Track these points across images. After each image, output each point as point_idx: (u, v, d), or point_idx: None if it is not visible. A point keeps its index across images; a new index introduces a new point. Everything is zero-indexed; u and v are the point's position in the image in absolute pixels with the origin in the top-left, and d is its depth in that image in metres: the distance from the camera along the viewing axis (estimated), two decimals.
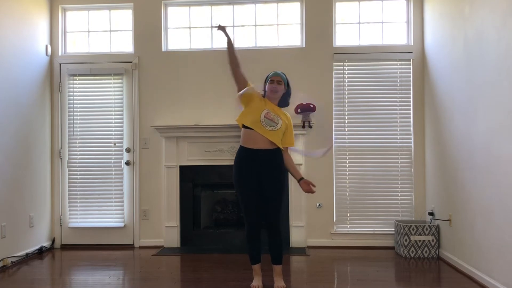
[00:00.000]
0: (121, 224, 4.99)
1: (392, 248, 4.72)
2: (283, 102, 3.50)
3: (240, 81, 3.42)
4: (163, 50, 5.03)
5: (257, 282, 3.42)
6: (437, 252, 4.40)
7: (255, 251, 3.42)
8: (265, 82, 3.49)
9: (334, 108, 4.88)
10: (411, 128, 4.83)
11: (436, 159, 4.48)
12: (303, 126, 4.74)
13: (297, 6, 5.00)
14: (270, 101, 3.44)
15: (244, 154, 3.37)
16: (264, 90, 3.49)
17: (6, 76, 4.24)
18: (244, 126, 3.39)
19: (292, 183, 4.79)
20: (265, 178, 3.31)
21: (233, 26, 5.04)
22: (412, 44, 4.85)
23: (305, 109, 4.72)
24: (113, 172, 5.02)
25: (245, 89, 3.36)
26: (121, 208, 5.00)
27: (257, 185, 3.32)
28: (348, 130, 4.88)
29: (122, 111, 5.02)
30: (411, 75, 4.84)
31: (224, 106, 4.83)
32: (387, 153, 4.85)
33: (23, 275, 3.95)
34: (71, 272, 4.12)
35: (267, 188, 3.32)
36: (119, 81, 5.04)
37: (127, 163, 5.00)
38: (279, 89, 3.39)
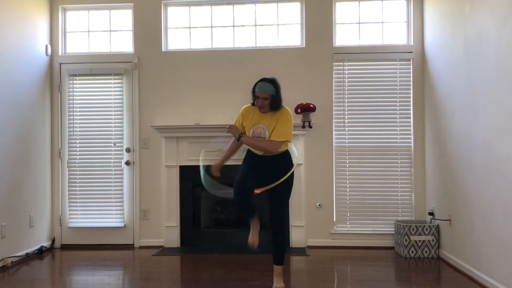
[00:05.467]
0: (121, 224, 4.99)
1: (392, 248, 4.72)
2: (274, 107, 3.31)
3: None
4: (163, 50, 5.03)
5: (252, 237, 3.34)
6: (437, 252, 4.40)
7: (245, 204, 3.29)
8: (253, 91, 3.33)
9: (334, 108, 4.88)
10: (411, 128, 4.83)
11: (436, 159, 4.48)
12: (303, 126, 4.74)
13: (297, 6, 5.00)
14: (260, 111, 3.37)
15: (251, 155, 3.40)
16: (254, 97, 3.36)
17: (6, 76, 4.24)
18: None
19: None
20: (269, 179, 3.24)
21: (233, 26, 5.04)
22: (412, 44, 4.85)
23: (305, 109, 4.73)
24: (113, 172, 5.01)
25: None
26: (121, 208, 5.00)
27: (258, 175, 3.27)
28: (348, 130, 4.88)
29: (122, 111, 5.02)
30: (411, 75, 4.84)
31: (224, 106, 4.83)
32: (387, 153, 4.85)
33: (23, 275, 3.95)
34: (71, 272, 4.12)
35: (271, 190, 3.25)
36: (119, 81, 5.04)
37: (127, 163, 5.00)
38: (265, 104, 3.27)
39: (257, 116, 3.35)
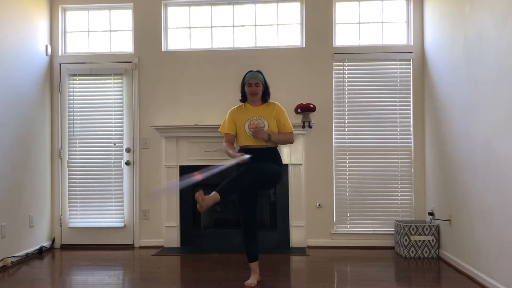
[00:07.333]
0: (121, 224, 4.99)
1: (392, 248, 4.72)
2: (264, 96, 3.59)
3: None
4: (163, 50, 5.03)
5: (251, 280, 3.46)
6: (437, 252, 4.40)
7: (251, 249, 3.47)
8: (242, 84, 3.59)
9: (334, 108, 4.88)
10: (411, 128, 4.83)
11: (436, 159, 4.48)
12: (303, 126, 4.74)
13: (297, 6, 5.00)
14: (252, 104, 3.56)
15: (250, 153, 3.42)
16: (243, 93, 3.60)
17: (6, 76, 4.24)
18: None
19: (292, 184, 4.80)
20: (266, 167, 3.38)
21: (233, 26, 5.04)
22: (412, 44, 4.85)
23: (305, 109, 4.73)
24: (113, 172, 5.01)
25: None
26: (121, 208, 5.00)
27: (257, 167, 3.35)
28: (348, 130, 4.88)
29: (122, 111, 5.02)
30: (411, 75, 4.84)
31: (224, 106, 4.81)
32: (387, 153, 4.85)
33: (23, 275, 3.94)
34: (71, 272, 4.12)
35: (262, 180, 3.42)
36: (119, 81, 5.04)
37: (127, 163, 5.00)
38: (258, 91, 3.52)
39: (249, 111, 3.55)
